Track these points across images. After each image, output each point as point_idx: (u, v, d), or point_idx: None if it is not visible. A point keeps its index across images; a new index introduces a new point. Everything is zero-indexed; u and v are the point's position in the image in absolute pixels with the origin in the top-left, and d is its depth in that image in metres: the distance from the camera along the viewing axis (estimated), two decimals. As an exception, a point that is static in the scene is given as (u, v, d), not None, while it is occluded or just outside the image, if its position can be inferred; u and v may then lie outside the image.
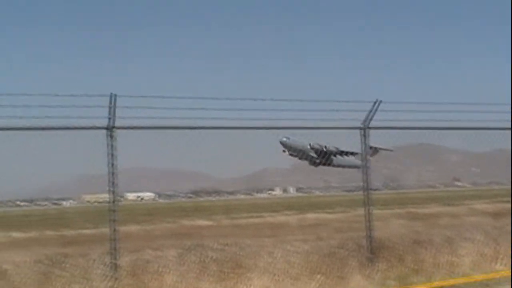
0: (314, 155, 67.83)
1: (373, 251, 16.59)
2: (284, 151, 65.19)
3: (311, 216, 56.08)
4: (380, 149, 70.31)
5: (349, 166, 72.60)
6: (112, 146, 14.27)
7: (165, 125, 15.04)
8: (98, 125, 14.20)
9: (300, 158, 68.98)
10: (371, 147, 73.79)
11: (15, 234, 44.08)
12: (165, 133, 15.74)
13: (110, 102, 13.99)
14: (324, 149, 65.19)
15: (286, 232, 35.09)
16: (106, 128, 14.20)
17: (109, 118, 14.13)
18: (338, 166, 71.51)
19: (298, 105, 16.98)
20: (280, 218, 56.15)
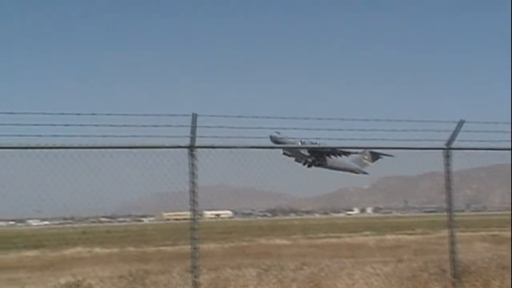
0: (306, 154, 64.52)
1: (457, 275, 16.06)
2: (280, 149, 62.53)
3: (390, 237, 54.93)
4: (381, 154, 67.31)
5: (344, 169, 68.10)
6: (193, 165, 14.51)
7: (244, 144, 15.18)
8: (181, 144, 14.49)
9: (293, 157, 65.36)
10: (371, 152, 71.60)
11: (98, 250, 45.33)
12: (243, 152, 15.88)
13: (192, 122, 14.25)
14: (314, 146, 61.45)
15: (365, 253, 34.53)
16: (188, 147, 14.46)
17: (191, 137, 14.39)
18: (332, 168, 67.07)
19: (379, 124, 16.74)
20: (358, 238, 55.32)
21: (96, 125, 14.05)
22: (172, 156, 15.15)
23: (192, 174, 14.51)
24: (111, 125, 13.99)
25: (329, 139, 15.61)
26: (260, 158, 16.45)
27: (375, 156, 66.95)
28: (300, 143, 62.44)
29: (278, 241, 52.69)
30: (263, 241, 53.61)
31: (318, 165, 63.25)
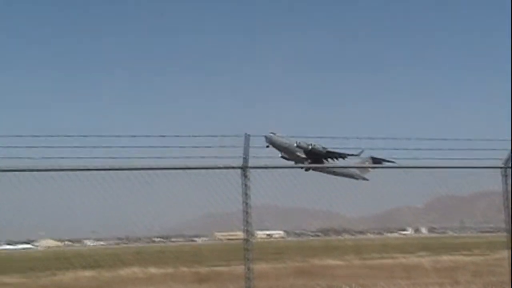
0: (303, 156, 61.40)
1: (518, 298, 15.58)
2: (267, 146, 59.92)
3: (446, 258, 53.69)
4: (383, 160, 64.63)
5: (343, 175, 64.36)
6: (246, 185, 14.56)
7: (297, 164, 15.15)
8: (233, 165, 14.58)
9: (291, 160, 62.82)
10: (373, 158, 68.27)
11: (153, 270, 45.73)
12: (296, 172, 15.87)
13: (245, 142, 14.33)
14: (309, 148, 58.67)
15: (421, 274, 33.82)
16: (241, 168, 14.53)
17: (244, 158, 14.46)
18: (329, 173, 63.65)
19: (434, 144, 16.50)
20: (413, 259, 54.24)
21: (151, 147, 14.28)
22: (225, 176, 15.25)
23: (245, 194, 14.57)
24: (165, 147, 14.19)
25: (335, 135, 15.37)
26: (312, 178, 16.43)
27: (376, 163, 64.17)
28: (295, 145, 60.88)
29: (331, 261, 52.14)
30: (316, 261, 53.14)
31: (316, 169, 60.60)
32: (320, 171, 60.17)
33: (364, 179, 64.16)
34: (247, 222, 14.57)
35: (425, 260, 52.68)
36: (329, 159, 58.55)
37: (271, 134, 60.77)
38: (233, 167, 14.66)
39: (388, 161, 67.00)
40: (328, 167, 60.17)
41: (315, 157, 57.76)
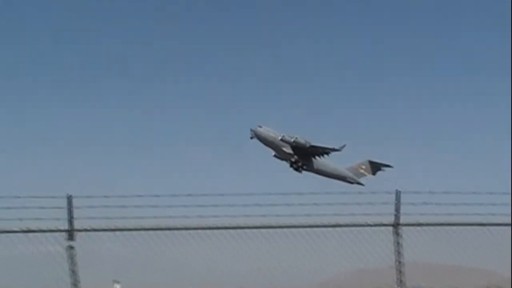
0: (290, 151, 55.50)
1: None
2: (251, 138, 55.26)
3: None
4: (381, 165, 57.47)
5: (334, 176, 57.74)
6: (398, 243, 14.19)
7: (451, 221, 14.61)
8: (384, 222, 14.30)
9: (284, 160, 56.71)
10: (371, 163, 59.80)
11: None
12: (450, 229, 15.27)
13: (396, 199, 14.04)
14: (292, 140, 53.26)
15: None
16: (393, 225, 14.20)
17: (395, 215, 14.14)
18: (320, 172, 57.41)
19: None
20: None
21: (301, 205, 14.38)
22: (374, 233, 14.97)
23: (398, 252, 14.18)
24: (315, 204, 14.24)
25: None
26: (467, 234, 15.70)
27: (375, 168, 58.72)
28: (280, 140, 56.60)
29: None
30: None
31: (305, 169, 56.08)
32: (310, 170, 56.32)
33: (359, 183, 59.92)
34: (400, 281, 14.12)
35: None
36: (316, 157, 54.58)
37: (258, 127, 57.79)
38: (384, 225, 14.36)
39: (386, 166, 61.93)
40: (318, 168, 56.29)
41: (302, 153, 54.21)
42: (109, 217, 16.58)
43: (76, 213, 16.96)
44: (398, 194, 14.08)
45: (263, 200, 15.14)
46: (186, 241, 16.13)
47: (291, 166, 55.38)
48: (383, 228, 14.54)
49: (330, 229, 14.72)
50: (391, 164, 56.21)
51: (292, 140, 53.04)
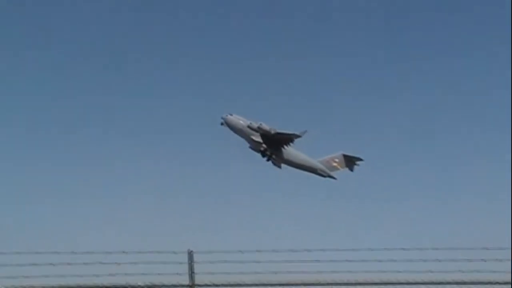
0: (259, 140, 51.13)
1: None
2: (221, 124, 51.25)
3: None
4: (355, 158, 51.72)
5: (304, 167, 52.53)
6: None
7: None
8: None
9: (259, 152, 52.37)
10: (345, 156, 54.53)
11: None
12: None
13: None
14: (256, 127, 48.92)
15: None
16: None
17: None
18: (289, 163, 52.25)
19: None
20: None
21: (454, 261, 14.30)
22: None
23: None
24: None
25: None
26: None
27: (348, 162, 54.27)
28: (247, 127, 53.03)
29: None
30: None
31: (275, 159, 52.44)
32: (280, 160, 52.83)
33: (331, 177, 56.06)
34: None
35: None
36: (285, 146, 51.41)
37: (228, 115, 55.26)
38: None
39: (358, 159, 58.07)
40: (288, 159, 52.97)
41: (270, 142, 51.24)
42: (229, 272, 16.99)
43: (196, 268, 17.51)
44: None
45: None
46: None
47: (263, 156, 54.76)
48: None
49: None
50: (361, 158, 54.58)
51: (257, 126, 52.54)
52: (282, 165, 56.56)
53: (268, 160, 55.28)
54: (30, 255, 17.69)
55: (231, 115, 55.15)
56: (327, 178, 56.38)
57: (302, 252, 16.43)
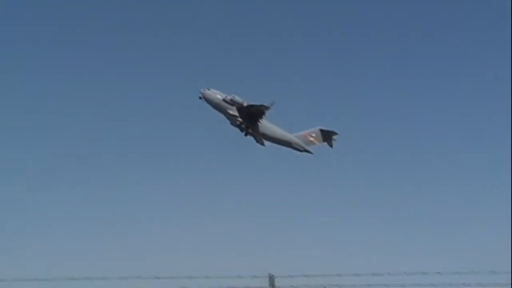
0: (235, 113, 53.01)
1: None
2: (200, 98, 53.18)
3: None
4: (332, 133, 54.02)
5: (280, 142, 54.55)
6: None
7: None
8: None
9: (237, 127, 54.25)
10: (322, 131, 56.58)
11: None
12: None
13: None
14: (229, 99, 50.78)
15: None
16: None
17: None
18: (266, 137, 54.29)
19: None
20: None
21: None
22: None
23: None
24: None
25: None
26: None
27: (326, 136, 56.21)
28: (223, 101, 54.29)
29: None
30: None
31: (251, 133, 53.86)
32: (257, 134, 54.01)
33: (308, 151, 57.78)
34: None
35: None
36: (262, 121, 52.73)
37: (206, 89, 56.43)
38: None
39: (334, 133, 59.20)
40: (263, 133, 54.04)
41: (245, 115, 52.61)
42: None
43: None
44: None
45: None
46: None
47: (241, 130, 55.42)
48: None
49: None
50: (336, 131, 55.77)
51: (229, 98, 53.33)
52: (265, 142, 56.79)
53: (246, 135, 55.65)
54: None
55: (208, 89, 55.43)
56: (304, 153, 56.84)
57: (385, 276, 17.34)
